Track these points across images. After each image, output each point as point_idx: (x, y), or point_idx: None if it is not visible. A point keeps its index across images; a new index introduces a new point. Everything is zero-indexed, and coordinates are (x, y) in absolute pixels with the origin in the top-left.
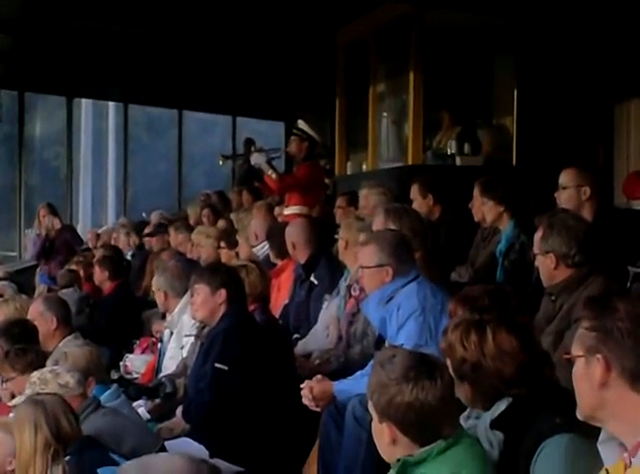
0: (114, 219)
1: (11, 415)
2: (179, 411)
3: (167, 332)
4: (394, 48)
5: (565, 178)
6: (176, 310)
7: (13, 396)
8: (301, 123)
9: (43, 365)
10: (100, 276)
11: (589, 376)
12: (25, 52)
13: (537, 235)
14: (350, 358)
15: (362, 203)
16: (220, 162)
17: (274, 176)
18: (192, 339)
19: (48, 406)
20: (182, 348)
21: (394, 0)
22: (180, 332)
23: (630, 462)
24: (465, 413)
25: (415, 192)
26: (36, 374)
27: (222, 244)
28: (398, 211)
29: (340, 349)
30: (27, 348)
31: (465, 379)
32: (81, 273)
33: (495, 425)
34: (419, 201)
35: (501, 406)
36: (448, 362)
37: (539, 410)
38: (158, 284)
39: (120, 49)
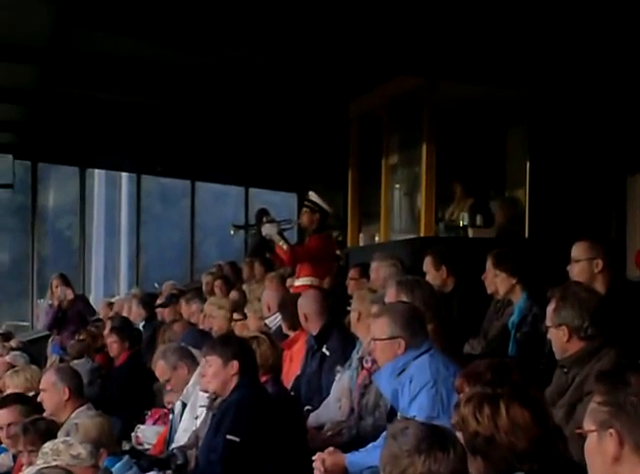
0: (126, 289)
1: None
2: None
3: (178, 404)
4: (406, 120)
5: (577, 251)
6: (190, 382)
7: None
8: (312, 195)
9: (55, 437)
10: (119, 346)
11: (601, 451)
12: (38, 123)
13: (550, 308)
14: (362, 431)
15: (373, 276)
16: (232, 232)
17: (285, 247)
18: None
19: None
20: (196, 418)
21: (406, 73)
22: (194, 403)
23: None
24: None
25: (428, 264)
26: (48, 445)
27: (236, 315)
28: (410, 284)
29: (352, 420)
30: (39, 419)
31: (478, 453)
32: (92, 343)
33: None
34: (432, 274)
35: None
36: (460, 436)
37: None
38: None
39: (134, 120)
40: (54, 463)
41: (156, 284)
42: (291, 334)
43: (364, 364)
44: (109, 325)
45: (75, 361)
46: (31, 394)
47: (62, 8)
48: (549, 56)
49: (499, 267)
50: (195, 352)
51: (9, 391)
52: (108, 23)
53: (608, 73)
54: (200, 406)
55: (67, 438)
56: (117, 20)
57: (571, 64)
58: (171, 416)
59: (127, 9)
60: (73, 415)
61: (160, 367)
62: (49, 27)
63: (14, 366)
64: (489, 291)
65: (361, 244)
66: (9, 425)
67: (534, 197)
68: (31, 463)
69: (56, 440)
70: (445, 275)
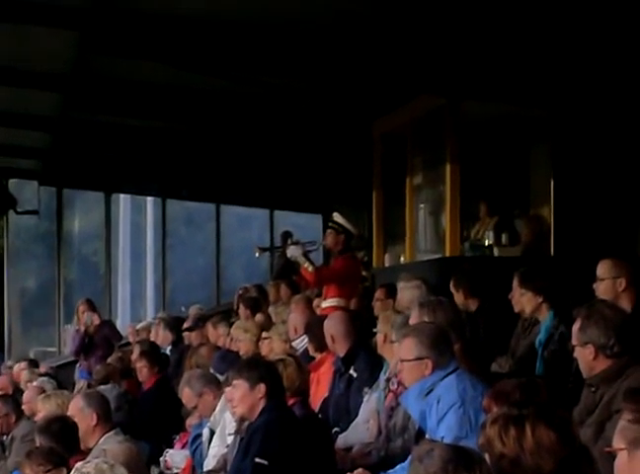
0: (153, 314)
1: None
2: None
3: (206, 431)
4: (430, 139)
5: (601, 269)
6: (217, 409)
7: None
8: (337, 216)
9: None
10: (149, 370)
11: (632, 469)
12: (63, 149)
13: (575, 326)
14: (391, 452)
15: (399, 297)
16: (256, 254)
17: (310, 268)
18: None
19: None
20: (227, 447)
21: (429, 93)
22: (223, 431)
23: None
24: None
25: (452, 285)
26: (90, 465)
27: (264, 334)
28: (432, 305)
29: (380, 442)
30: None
31: None
32: (119, 368)
33: None
34: (457, 294)
35: None
36: (487, 458)
37: None
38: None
39: (158, 145)
40: None
41: (182, 308)
42: (318, 356)
43: (391, 387)
44: (137, 349)
45: (102, 387)
46: None
47: (84, 35)
48: (572, 74)
49: (525, 285)
50: (220, 377)
51: (40, 415)
52: (129, 48)
53: (632, 91)
54: (229, 434)
55: (107, 459)
56: (137, 45)
57: (594, 81)
58: (190, 439)
59: (148, 34)
60: (101, 440)
61: (186, 395)
62: (72, 54)
63: (44, 391)
64: (516, 310)
65: (387, 264)
66: None
67: (559, 214)
68: None
69: (97, 460)
70: (470, 294)
